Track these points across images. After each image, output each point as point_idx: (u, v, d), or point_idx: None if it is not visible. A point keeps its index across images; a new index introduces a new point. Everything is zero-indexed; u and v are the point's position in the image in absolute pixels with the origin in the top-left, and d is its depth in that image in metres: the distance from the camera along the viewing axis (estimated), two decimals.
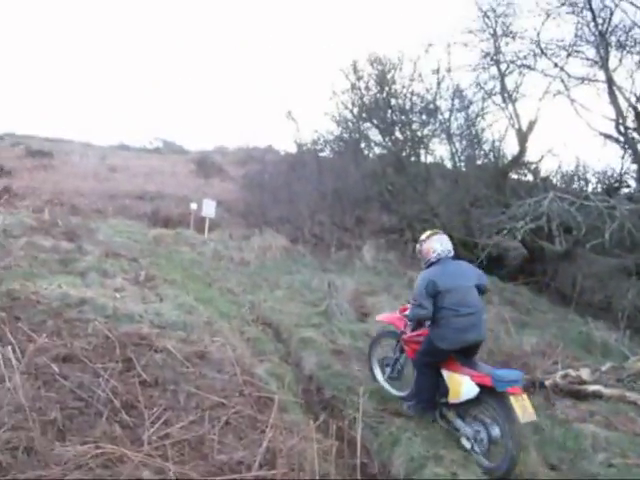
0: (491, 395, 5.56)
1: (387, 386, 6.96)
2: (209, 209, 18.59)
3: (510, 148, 19.51)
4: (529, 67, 16.25)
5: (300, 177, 21.56)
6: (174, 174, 32.16)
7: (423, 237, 6.41)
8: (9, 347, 5.15)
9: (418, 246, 6.44)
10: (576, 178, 17.05)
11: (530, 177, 17.91)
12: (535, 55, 15.93)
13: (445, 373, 5.99)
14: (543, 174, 17.51)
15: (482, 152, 18.67)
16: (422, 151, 19.43)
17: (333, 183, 18.88)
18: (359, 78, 19.97)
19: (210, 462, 4.66)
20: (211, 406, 5.17)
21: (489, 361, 6.92)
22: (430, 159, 19.56)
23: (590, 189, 16.06)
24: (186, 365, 5.69)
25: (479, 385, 5.59)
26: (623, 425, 6.33)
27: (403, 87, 19.24)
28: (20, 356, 5.19)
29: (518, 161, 17.28)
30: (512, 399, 5.40)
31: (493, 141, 18.34)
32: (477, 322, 5.95)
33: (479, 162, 18.54)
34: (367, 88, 20.02)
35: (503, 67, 16.88)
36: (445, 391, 5.97)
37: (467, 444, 5.67)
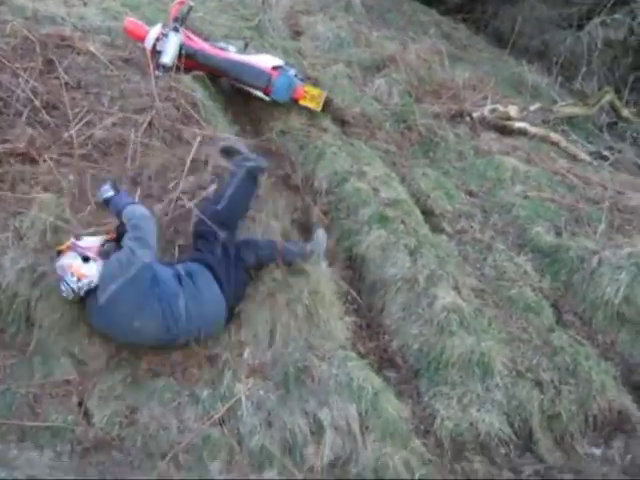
0: None
1: None
2: None
3: None
4: None
5: None
6: None
7: None
8: None
9: None
10: None
11: None
12: None
13: None
14: None
15: None
16: None
17: None
18: None
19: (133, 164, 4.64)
20: (135, 110, 5.03)
21: (420, 90, 6.89)
22: None
23: None
24: (110, 68, 5.43)
25: None
26: (543, 162, 6.50)
27: None
28: None
29: None
30: None
31: None
32: None
33: None
34: None
35: None
36: None
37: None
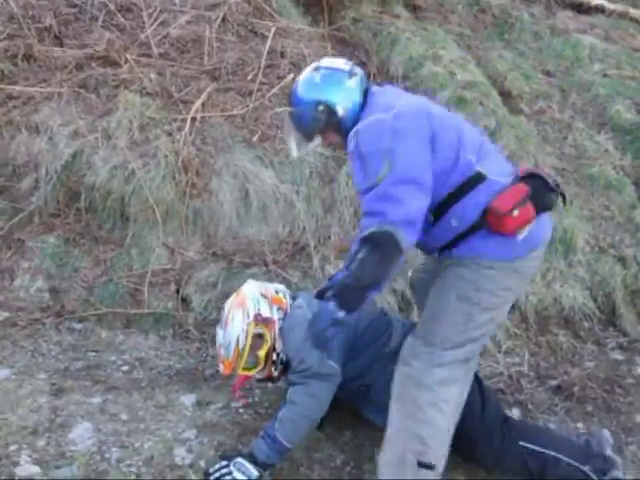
0: None
1: None
2: None
3: None
4: None
5: None
6: None
7: None
8: None
9: None
10: None
11: None
12: None
13: None
14: None
15: None
16: None
17: None
18: None
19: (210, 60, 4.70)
20: (207, 7, 5.04)
21: None
22: None
23: None
24: None
25: None
26: (622, 39, 6.30)
27: None
28: None
29: None
30: None
31: None
32: None
33: None
34: None
35: None
36: None
37: None
